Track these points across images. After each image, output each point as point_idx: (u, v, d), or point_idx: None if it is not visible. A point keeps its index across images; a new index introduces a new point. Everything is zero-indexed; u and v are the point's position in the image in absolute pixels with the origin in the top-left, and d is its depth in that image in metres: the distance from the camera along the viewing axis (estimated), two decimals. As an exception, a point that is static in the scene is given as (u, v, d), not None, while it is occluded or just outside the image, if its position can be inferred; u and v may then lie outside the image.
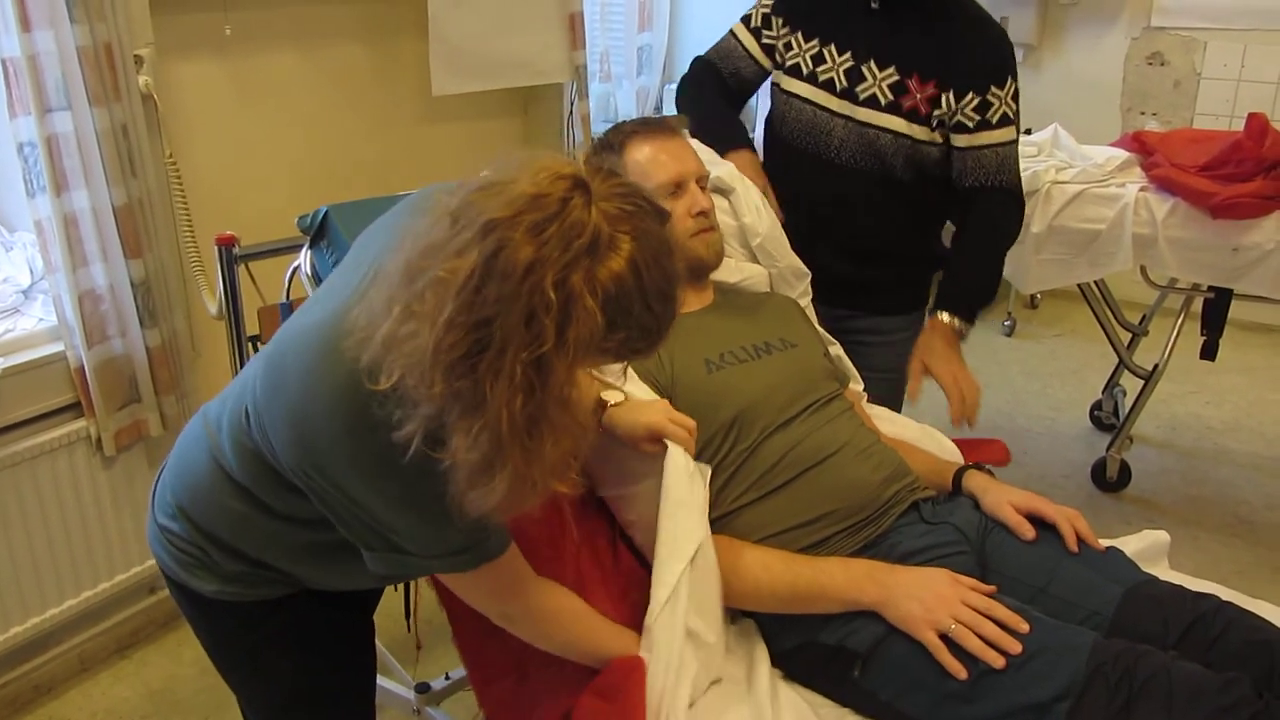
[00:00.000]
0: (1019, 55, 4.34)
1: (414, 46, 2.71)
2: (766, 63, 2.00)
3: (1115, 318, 3.10)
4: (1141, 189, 2.61)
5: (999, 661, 1.17)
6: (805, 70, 1.92)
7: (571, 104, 3.13)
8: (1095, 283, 2.93)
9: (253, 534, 1.16)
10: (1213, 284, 2.68)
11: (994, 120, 1.83)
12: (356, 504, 1.03)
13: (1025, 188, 2.60)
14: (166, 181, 2.18)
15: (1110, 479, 3.04)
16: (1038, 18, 4.37)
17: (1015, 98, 1.85)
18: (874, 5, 1.86)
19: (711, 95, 2.02)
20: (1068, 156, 2.83)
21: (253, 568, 1.18)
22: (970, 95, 1.81)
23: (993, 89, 1.82)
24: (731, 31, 2.04)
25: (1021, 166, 2.69)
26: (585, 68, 3.09)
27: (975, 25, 1.87)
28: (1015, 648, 1.18)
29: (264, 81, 2.46)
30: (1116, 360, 3.18)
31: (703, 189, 1.61)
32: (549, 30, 2.93)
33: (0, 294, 2.15)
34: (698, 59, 2.08)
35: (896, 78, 1.84)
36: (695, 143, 1.72)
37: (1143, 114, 4.33)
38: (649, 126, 1.63)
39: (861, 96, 1.87)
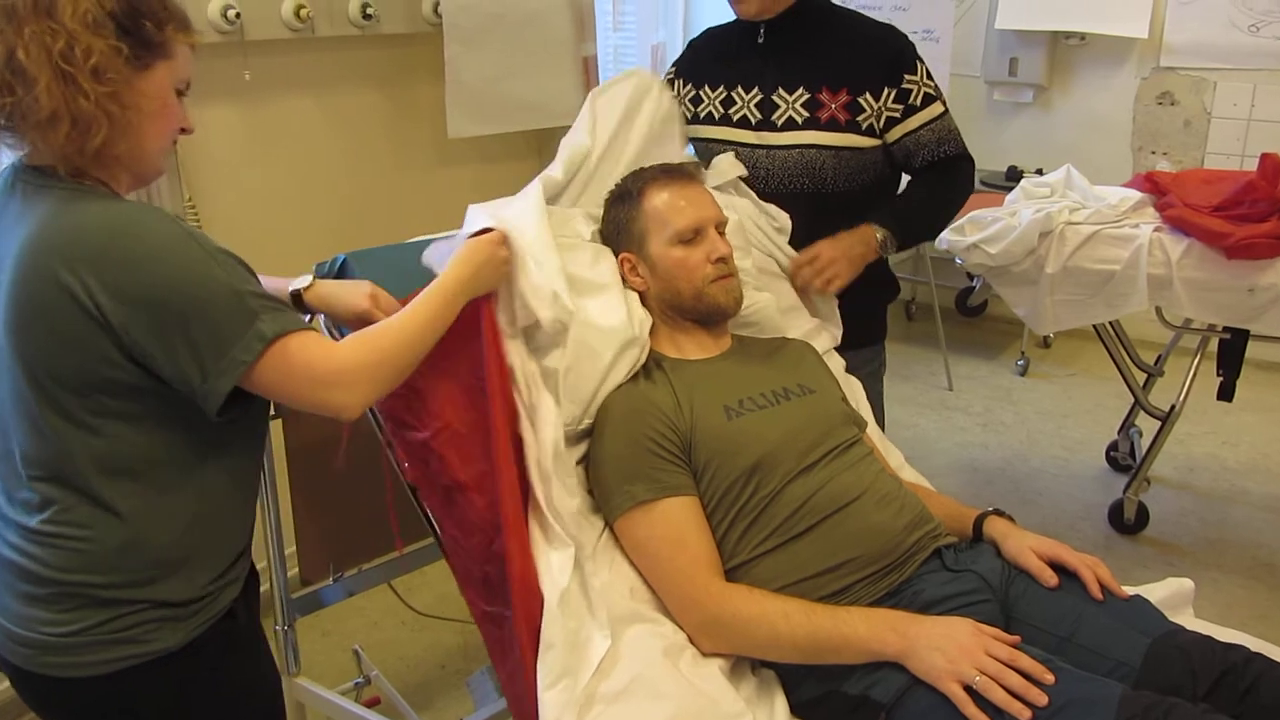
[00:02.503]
0: (1028, 96, 4.46)
1: (430, 91, 2.73)
2: None
3: (1130, 358, 3.09)
4: (1156, 229, 2.60)
5: (1025, 714, 1.15)
6: (718, 115, 2.00)
7: (585, 146, 3.14)
8: (1110, 322, 2.92)
9: (172, 499, 1.20)
10: (1229, 324, 2.67)
11: (918, 103, 1.92)
12: (192, 293, 1.11)
13: (1039, 228, 2.64)
14: (185, 225, 2.20)
15: (1128, 521, 3.01)
16: (1047, 58, 4.40)
17: (930, 77, 1.94)
18: (760, 40, 1.95)
19: None
20: (1081, 197, 2.83)
21: (195, 558, 1.22)
22: (886, 90, 1.90)
23: (905, 77, 1.90)
24: None
25: (1034, 207, 2.74)
26: (598, 110, 3.11)
27: (863, 29, 1.97)
28: (1041, 700, 1.16)
29: (282, 126, 2.48)
30: (1131, 399, 3.16)
31: (721, 234, 1.62)
32: (563, 74, 2.96)
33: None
34: None
35: (807, 95, 1.91)
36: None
37: (1153, 153, 4.34)
38: (667, 173, 1.65)
39: (779, 123, 1.93)
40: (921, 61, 1.94)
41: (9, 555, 1.19)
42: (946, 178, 1.98)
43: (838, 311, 1.95)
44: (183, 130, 1.25)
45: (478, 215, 1.48)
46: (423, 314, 1.32)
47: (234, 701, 1.32)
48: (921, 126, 1.92)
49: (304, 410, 1.22)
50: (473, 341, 1.44)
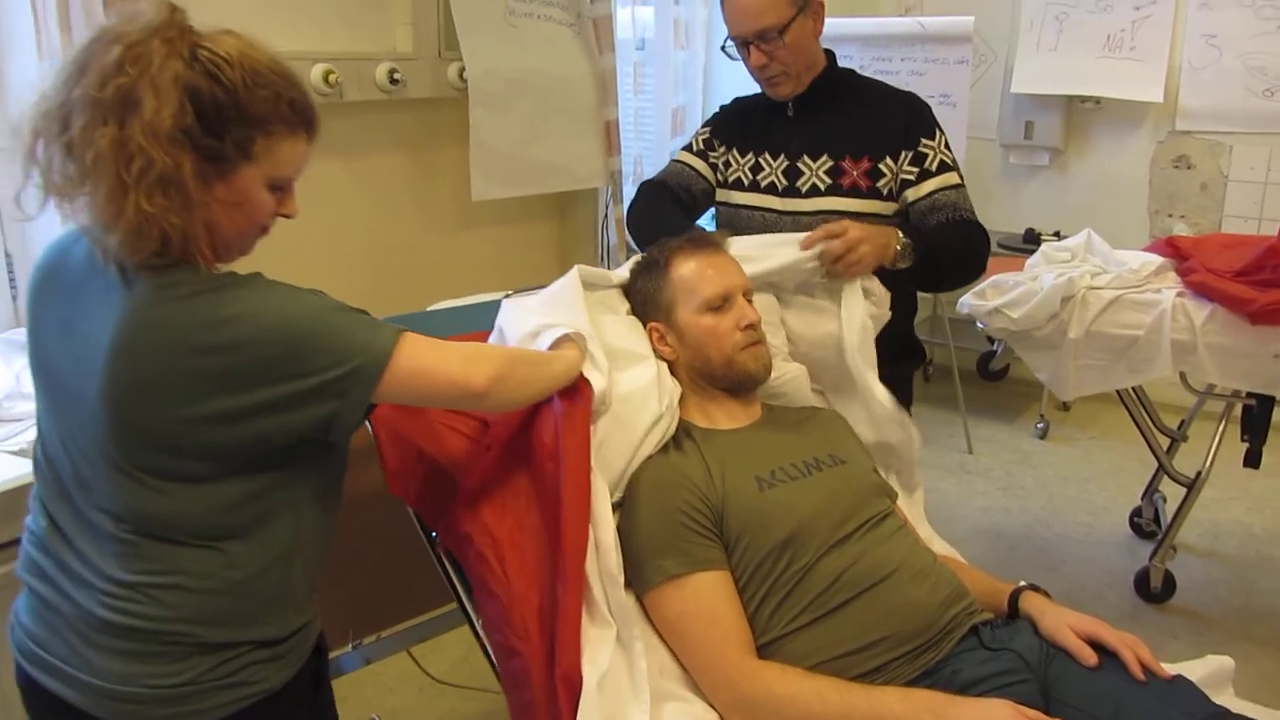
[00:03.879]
0: (1044, 159, 4.49)
1: (454, 154, 2.76)
2: (713, 178, 2.12)
3: (1154, 423, 3.06)
4: (1178, 295, 2.59)
5: (1070, 801, 1.13)
6: (747, 181, 2.04)
7: (606, 208, 3.17)
8: (1132, 387, 2.90)
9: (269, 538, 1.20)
10: (1254, 390, 2.64)
11: (933, 169, 1.93)
12: (309, 343, 1.14)
13: (1061, 293, 2.64)
14: (210, 287, 2.21)
15: (1155, 590, 2.96)
16: (1063, 122, 4.43)
17: (948, 147, 1.96)
18: (790, 114, 2.00)
19: (667, 204, 2.09)
20: (1102, 262, 2.82)
21: (290, 597, 1.23)
22: (904, 154, 1.93)
23: (923, 141, 1.93)
24: (677, 159, 2.16)
25: (1056, 272, 2.74)
26: (620, 173, 3.14)
27: (886, 99, 2.00)
28: (1086, 786, 1.13)
29: (309, 189, 2.46)
30: (1154, 462, 3.12)
31: (749, 301, 1.62)
32: (585, 137, 2.99)
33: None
34: (645, 182, 2.17)
35: (831, 163, 1.95)
36: (739, 249, 1.73)
37: (1170, 216, 4.34)
38: (694, 242, 1.65)
39: (804, 189, 1.97)
40: (941, 131, 1.96)
41: (104, 615, 1.16)
42: (964, 234, 1.93)
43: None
44: (282, 215, 1.25)
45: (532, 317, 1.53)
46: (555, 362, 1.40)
47: None
48: (936, 191, 1.93)
49: (443, 399, 1.27)
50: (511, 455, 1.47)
